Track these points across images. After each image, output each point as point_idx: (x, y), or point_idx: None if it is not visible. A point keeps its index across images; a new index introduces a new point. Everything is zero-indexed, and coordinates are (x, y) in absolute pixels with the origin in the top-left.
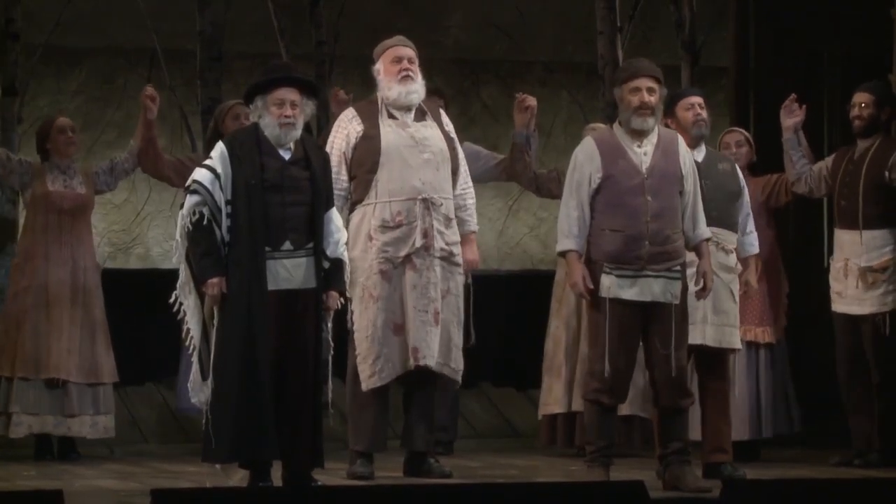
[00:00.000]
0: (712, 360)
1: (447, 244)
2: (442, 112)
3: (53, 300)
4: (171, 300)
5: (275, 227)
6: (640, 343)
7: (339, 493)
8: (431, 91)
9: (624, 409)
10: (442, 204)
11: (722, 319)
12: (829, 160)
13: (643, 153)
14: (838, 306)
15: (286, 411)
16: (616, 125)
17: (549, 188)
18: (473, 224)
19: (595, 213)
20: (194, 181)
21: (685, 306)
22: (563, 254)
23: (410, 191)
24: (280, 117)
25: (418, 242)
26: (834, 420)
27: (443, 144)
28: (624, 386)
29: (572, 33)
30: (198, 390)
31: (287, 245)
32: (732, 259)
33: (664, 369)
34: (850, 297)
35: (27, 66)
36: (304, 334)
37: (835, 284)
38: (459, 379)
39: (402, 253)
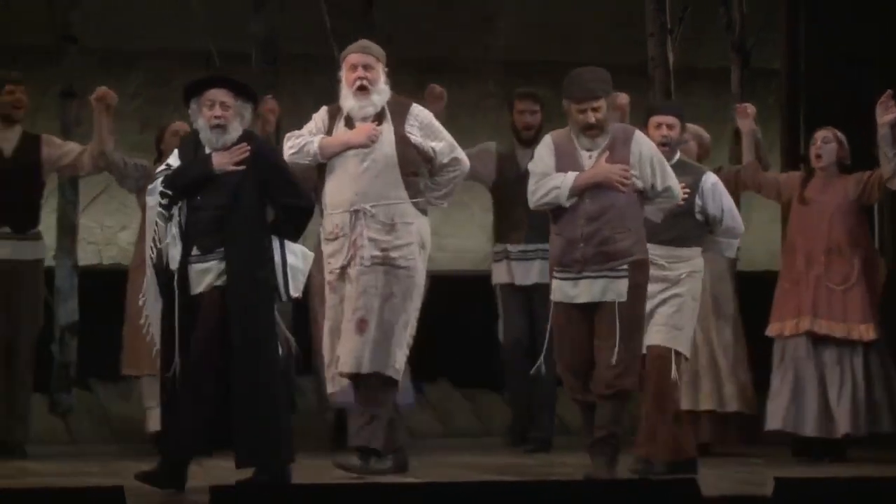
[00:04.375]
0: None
1: (382, 251)
2: (413, 110)
3: None
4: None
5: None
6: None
7: (339, 493)
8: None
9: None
10: (374, 215)
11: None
12: None
13: (589, 157)
14: None
15: (225, 406)
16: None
17: None
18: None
19: (549, 218)
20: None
21: (634, 302)
22: (564, 193)
23: (345, 203)
24: (210, 119)
25: (348, 254)
26: None
27: (390, 149)
28: (587, 384)
29: (620, 35)
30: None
31: (195, 251)
32: (673, 272)
33: (605, 358)
34: None
35: (85, 69)
36: (216, 335)
37: None
38: (399, 378)
39: (339, 265)
